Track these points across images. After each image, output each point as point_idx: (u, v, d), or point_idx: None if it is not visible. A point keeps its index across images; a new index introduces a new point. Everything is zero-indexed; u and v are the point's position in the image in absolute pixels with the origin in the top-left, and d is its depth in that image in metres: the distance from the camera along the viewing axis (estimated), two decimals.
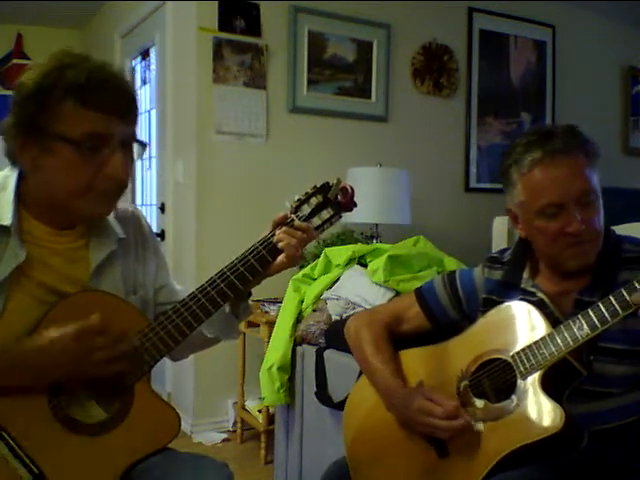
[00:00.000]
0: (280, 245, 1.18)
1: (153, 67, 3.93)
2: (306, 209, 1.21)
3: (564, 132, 1.27)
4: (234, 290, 1.19)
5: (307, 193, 1.22)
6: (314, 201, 1.21)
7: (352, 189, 1.23)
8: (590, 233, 1.26)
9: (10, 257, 1.12)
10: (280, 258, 1.20)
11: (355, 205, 1.24)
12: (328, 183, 1.22)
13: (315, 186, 1.22)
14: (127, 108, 1.14)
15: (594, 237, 1.28)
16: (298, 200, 1.22)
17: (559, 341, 1.20)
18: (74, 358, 1.09)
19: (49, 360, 1.09)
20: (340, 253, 2.51)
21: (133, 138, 1.17)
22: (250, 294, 1.31)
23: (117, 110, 1.11)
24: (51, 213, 1.17)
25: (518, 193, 1.30)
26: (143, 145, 1.19)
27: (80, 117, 1.08)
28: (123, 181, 1.15)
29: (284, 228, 1.19)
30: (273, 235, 1.20)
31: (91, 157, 1.10)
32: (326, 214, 1.22)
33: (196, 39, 3.23)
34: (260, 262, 1.19)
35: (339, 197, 1.22)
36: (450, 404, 1.26)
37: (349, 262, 2.46)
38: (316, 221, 1.22)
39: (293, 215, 1.21)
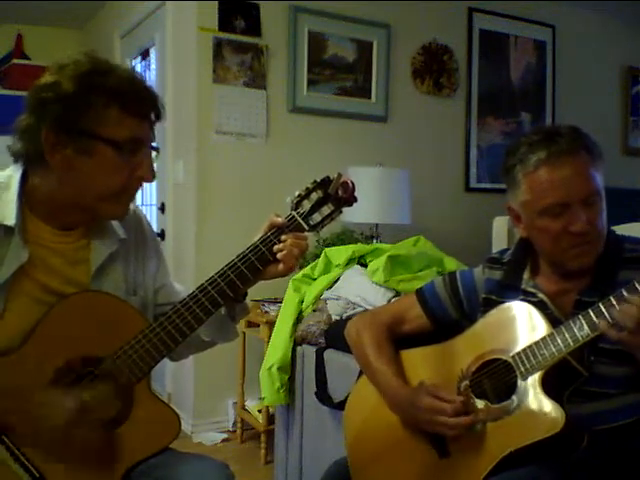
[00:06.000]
0: (280, 254, 1.19)
1: (153, 67, 3.93)
2: (306, 205, 1.21)
3: (568, 133, 1.27)
4: (234, 289, 1.18)
5: (307, 188, 1.21)
6: (314, 196, 1.21)
7: (353, 184, 1.22)
8: (593, 233, 1.26)
9: (13, 257, 1.12)
10: (277, 267, 1.20)
11: (356, 200, 1.24)
12: (329, 177, 1.22)
13: (315, 181, 1.22)
14: (159, 115, 1.18)
15: (597, 238, 1.27)
16: (299, 196, 1.21)
17: (559, 341, 1.20)
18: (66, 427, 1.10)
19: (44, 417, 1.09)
20: (340, 253, 2.50)
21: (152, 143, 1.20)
22: (246, 294, 1.31)
23: (152, 116, 1.16)
24: (57, 213, 1.18)
25: (522, 192, 1.30)
26: (157, 150, 1.21)
27: (123, 122, 1.11)
28: (148, 182, 1.19)
29: (292, 235, 1.19)
30: (273, 234, 1.19)
31: (128, 160, 1.13)
32: (327, 209, 1.21)
33: (196, 39, 3.23)
34: (260, 261, 1.19)
35: (340, 192, 1.21)
36: (458, 401, 1.26)
37: (349, 262, 2.46)
38: (317, 217, 1.21)
39: (294, 212, 1.21)
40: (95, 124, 1.09)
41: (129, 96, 1.11)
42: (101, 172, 1.12)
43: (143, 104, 1.14)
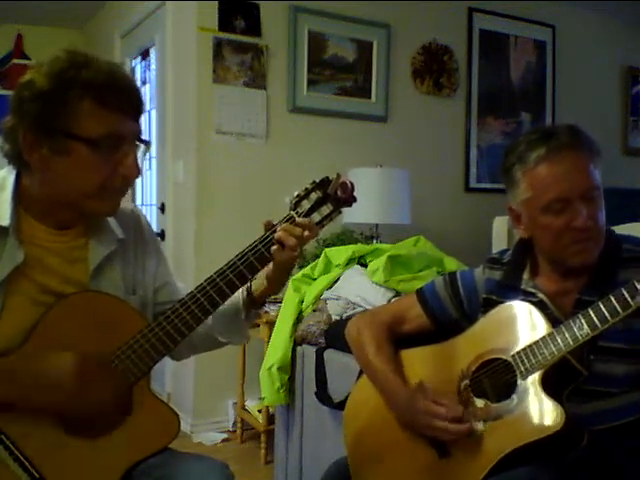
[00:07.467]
0: (282, 242, 1.18)
1: (153, 67, 3.93)
2: (306, 205, 1.20)
3: (566, 130, 1.28)
4: (233, 289, 1.18)
5: (307, 189, 1.21)
6: (314, 197, 1.20)
7: (352, 184, 1.22)
8: (594, 229, 1.26)
9: (8, 258, 1.11)
10: (279, 257, 1.19)
11: (355, 200, 1.24)
12: (328, 178, 1.22)
13: (314, 181, 1.21)
14: (139, 108, 1.15)
15: (597, 234, 1.28)
16: (297, 196, 1.21)
17: (559, 341, 1.20)
18: (70, 394, 1.09)
19: (46, 384, 1.08)
20: (340, 253, 2.50)
21: (140, 137, 1.17)
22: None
23: (131, 110, 1.13)
24: (51, 212, 1.17)
25: (523, 191, 1.30)
26: (147, 144, 1.19)
27: (98, 117, 1.08)
28: (135, 180, 1.16)
29: (284, 225, 1.18)
30: (272, 233, 1.19)
31: (107, 157, 1.11)
32: (326, 210, 1.21)
33: (196, 39, 3.23)
34: (259, 260, 1.19)
35: (339, 192, 1.21)
36: (454, 406, 1.26)
37: (349, 262, 2.46)
38: (316, 217, 1.21)
39: (293, 212, 1.20)
40: (70, 122, 1.07)
41: (105, 89, 1.08)
42: (78, 171, 1.10)
43: (120, 97, 1.10)
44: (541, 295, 1.34)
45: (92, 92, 1.07)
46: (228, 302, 1.23)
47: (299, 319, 2.40)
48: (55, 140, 1.08)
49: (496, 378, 1.29)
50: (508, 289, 1.40)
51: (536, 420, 1.20)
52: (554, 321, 1.26)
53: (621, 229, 1.39)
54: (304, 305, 2.41)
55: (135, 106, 1.14)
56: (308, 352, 2.30)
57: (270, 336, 2.53)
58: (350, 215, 3.05)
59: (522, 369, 1.24)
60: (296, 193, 1.22)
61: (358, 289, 2.31)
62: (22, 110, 1.08)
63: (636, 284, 1.13)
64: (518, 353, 1.25)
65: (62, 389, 1.08)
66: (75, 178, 1.11)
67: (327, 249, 2.58)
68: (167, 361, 1.34)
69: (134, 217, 1.34)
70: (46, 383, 1.08)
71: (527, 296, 1.35)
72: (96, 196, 1.13)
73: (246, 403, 3.13)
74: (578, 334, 1.18)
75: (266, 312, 2.94)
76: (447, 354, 1.39)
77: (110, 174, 1.12)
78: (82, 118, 1.07)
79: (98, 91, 1.07)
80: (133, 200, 4.16)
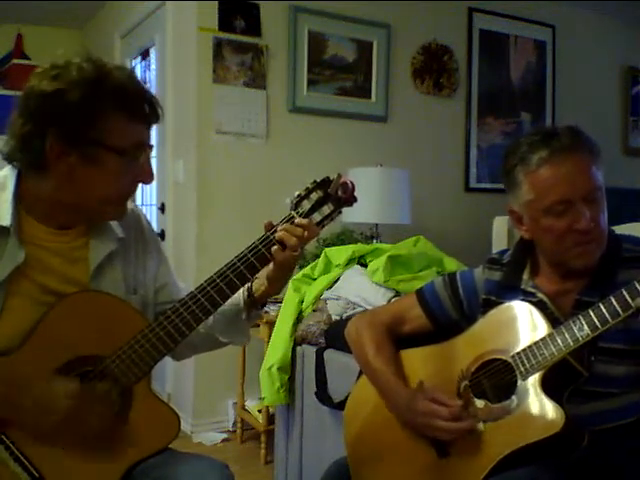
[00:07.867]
0: (283, 243, 1.18)
1: (153, 67, 3.93)
2: (306, 205, 1.21)
3: (567, 132, 1.28)
4: (233, 289, 1.19)
5: (307, 188, 1.21)
6: (314, 196, 1.21)
7: (352, 184, 1.22)
8: (597, 231, 1.26)
9: (9, 258, 1.12)
10: (280, 257, 1.20)
11: (355, 200, 1.24)
12: (328, 178, 1.22)
13: (315, 181, 1.22)
14: (159, 116, 1.18)
15: (600, 235, 1.28)
16: (298, 196, 1.21)
17: (559, 342, 1.20)
18: (69, 417, 1.09)
19: (43, 409, 1.08)
20: (340, 253, 2.50)
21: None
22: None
23: (153, 120, 1.17)
24: (54, 214, 1.17)
25: (524, 192, 1.30)
26: (151, 147, 1.20)
27: (127, 128, 1.11)
28: (147, 184, 1.20)
29: (285, 225, 1.18)
30: (273, 233, 1.19)
31: (131, 165, 1.14)
32: (327, 209, 1.21)
33: (196, 39, 3.23)
34: (260, 260, 1.19)
35: (339, 192, 1.21)
36: (454, 405, 1.26)
37: (349, 262, 2.46)
38: (316, 217, 1.21)
39: (293, 212, 1.21)
40: (101, 133, 1.09)
41: (135, 104, 1.12)
42: (104, 179, 1.13)
43: (147, 109, 1.14)
44: (541, 295, 1.34)
45: (121, 103, 1.10)
46: (229, 302, 1.23)
47: (299, 319, 2.40)
48: (85, 150, 1.10)
49: (496, 379, 1.29)
50: (508, 289, 1.39)
51: (536, 421, 1.19)
52: (554, 321, 1.26)
53: (621, 229, 1.39)
54: (304, 305, 2.42)
55: (156, 116, 1.17)
56: (308, 352, 2.30)
57: (270, 336, 2.54)
58: (350, 215, 3.05)
59: (522, 370, 1.24)
60: (297, 193, 1.22)
61: (358, 289, 2.31)
62: (46, 119, 1.08)
63: (637, 285, 1.13)
64: (518, 354, 1.25)
65: (56, 412, 1.08)
66: (100, 186, 1.13)
67: (327, 249, 2.58)
68: (167, 361, 1.34)
69: (134, 216, 1.34)
70: (41, 403, 1.08)
71: (527, 296, 1.35)
72: (115, 202, 1.17)
73: (246, 403, 3.13)
74: (578, 335, 1.18)
75: (266, 312, 2.93)
76: (447, 354, 1.39)
77: (132, 181, 1.16)
78: (113, 129, 1.10)
79: (130, 106, 1.11)
80: (133, 200, 4.15)
